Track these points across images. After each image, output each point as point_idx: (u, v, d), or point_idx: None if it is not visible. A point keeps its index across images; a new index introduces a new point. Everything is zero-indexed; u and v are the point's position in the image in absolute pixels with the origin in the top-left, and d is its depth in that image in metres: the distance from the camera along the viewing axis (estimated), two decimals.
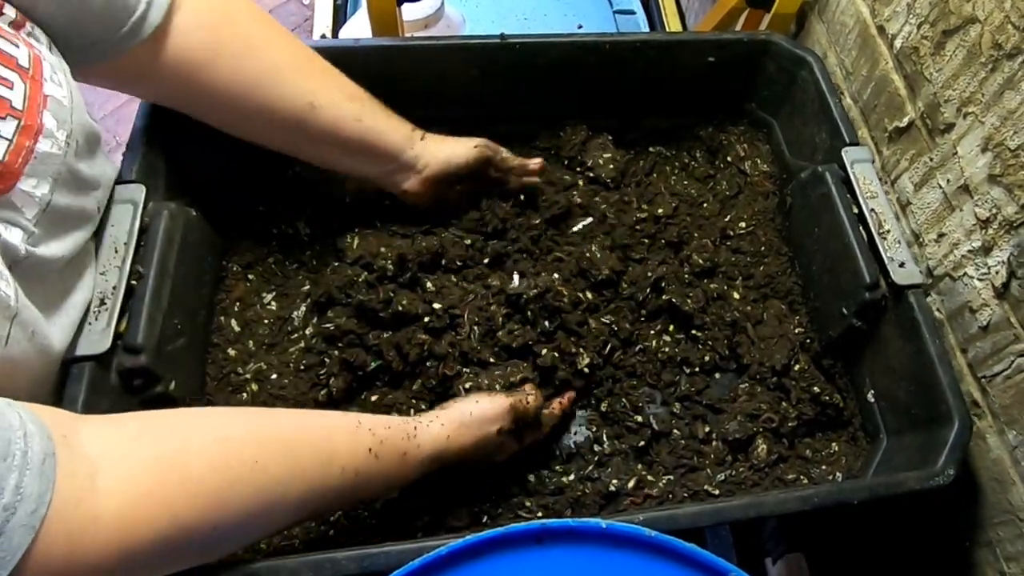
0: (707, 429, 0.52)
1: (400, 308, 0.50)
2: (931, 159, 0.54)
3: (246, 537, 0.35)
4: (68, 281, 0.41)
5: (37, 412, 0.29)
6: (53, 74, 0.37)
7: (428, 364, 0.50)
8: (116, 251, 0.45)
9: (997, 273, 0.47)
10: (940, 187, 0.53)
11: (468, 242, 0.56)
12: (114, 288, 0.43)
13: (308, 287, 0.56)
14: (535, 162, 0.56)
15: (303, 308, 0.55)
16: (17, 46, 0.35)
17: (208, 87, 0.45)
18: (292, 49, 0.47)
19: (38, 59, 0.36)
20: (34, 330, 0.36)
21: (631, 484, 0.50)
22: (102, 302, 0.43)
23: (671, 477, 0.50)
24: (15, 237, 0.34)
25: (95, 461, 0.29)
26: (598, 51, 0.60)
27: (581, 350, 0.51)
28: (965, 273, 0.51)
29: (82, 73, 0.41)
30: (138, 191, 0.47)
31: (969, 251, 0.50)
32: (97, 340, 0.41)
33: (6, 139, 0.33)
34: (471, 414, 0.44)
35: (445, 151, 0.52)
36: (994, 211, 0.47)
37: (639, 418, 0.52)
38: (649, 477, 0.50)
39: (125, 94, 0.48)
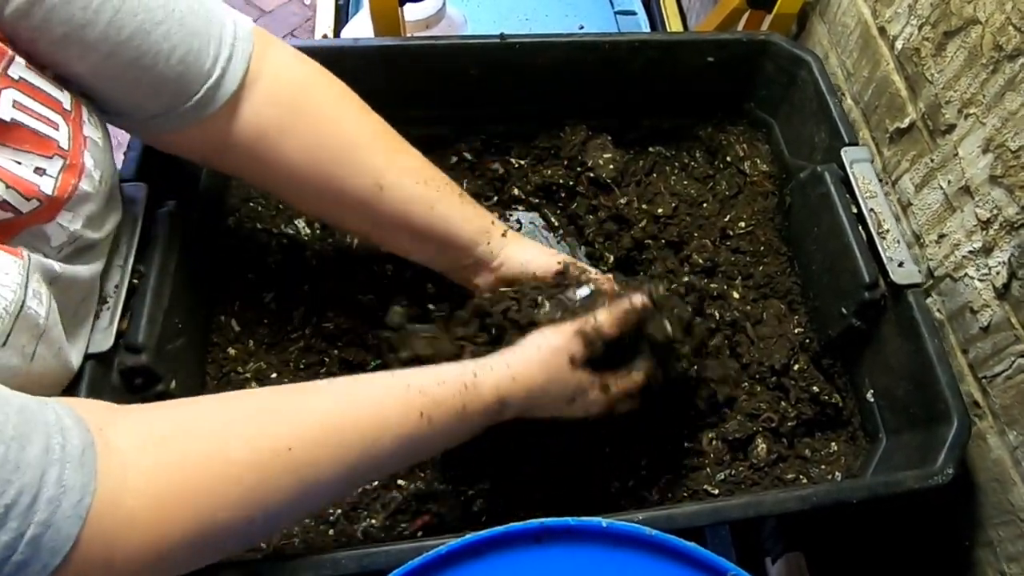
0: (706, 429, 0.52)
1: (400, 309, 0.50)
2: (932, 160, 0.54)
3: (289, 522, 0.35)
4: (88, 303, 0.42)
5: (73, 405, 0.29)
6: (90, 116, 0.38)
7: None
8: (119, 250, 0.45)
9: (998, 274, 0.47)
10: (941, 188, 0.53)
11: None
12: (116, 287, 0.43)
13: (308, 287, 0.56)
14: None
15: (303, 307, 0.55)
16: (61, 90, 0.36)
17: (275, 164, 0.43)
18: (365, 126, 0.45)
19: (78, 103, 0.37)
20: (60, 347, 0.37)
21: (630, 483, 0.50)
22: (104, 300, 0.43)
23: (671, 476, 0.50)
24: (48, 256, 0.36)
25: (126, 458, 0.29)
26: (598, 51, 0.61)
27: None
28: (966, 274, 0.51)
29: (149, 137, 0.42)
30: (140, 190, 0.47)
31: (970, 252, 0.50)
32: (100, 339, 0.42)
33: (52, 177, 0.34)
34: (537, 346, 0.40)
35: (524, 256, 0.47)
36: (995, 212, 0.47)
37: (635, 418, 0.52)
38: (649, 476, 0.50)
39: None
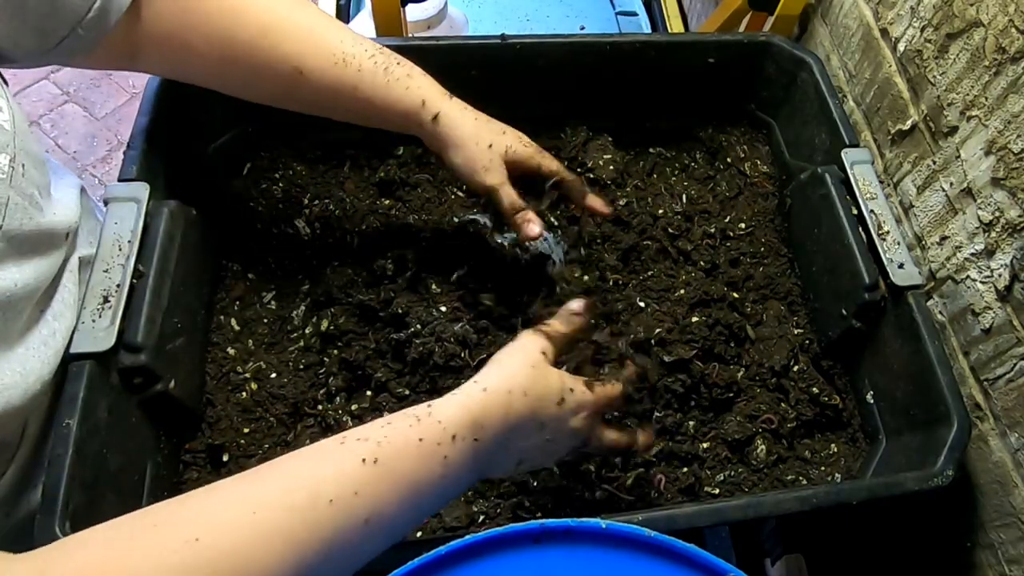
0: (706, 430, 0.52)
1: (400, 310, 0.50)
2: (934, 162, 0.54)
3: None
4: (34, 311, 0.39)
5: None
6: None
7: (430, 363, 0.50)
8: (120, 249, 0.45)
9: (1000, 276, 0.47)
10: (943, 190, 0.53)
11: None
12: (118, 286, 0.43)
13: (308, 287, 0.56)
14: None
15: (303, 307, 0.55)
16: None
17: (188, 62, 0.42)
18: (272, 9, 0.43)
19: None
20: None
21: (629, 483, 0.50)
22: (105, 300, 0.43)
23: (670, 477, 0.50)
24: None
25: None
26: (598, 52, 0.61)
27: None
28: (968, 276, 0.51)
29: (60, 60, 0.40)
30: (142, 189, 0.47)
31: (972, 254, 0.50)
32: (101, 338, 0.41)
33: None
34: (506, 354, 0.36)
35: (458, 149, 0.45)
36: (997, 214, 0.47)
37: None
38: (648, 477, 0.50)
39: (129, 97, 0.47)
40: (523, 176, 0.49)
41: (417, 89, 0.45)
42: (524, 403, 0.35)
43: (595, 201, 0.51)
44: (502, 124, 0.49)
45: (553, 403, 0.36)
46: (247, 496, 0.29)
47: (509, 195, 0.47)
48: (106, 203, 0.47)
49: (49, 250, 0.41)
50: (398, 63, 0.45)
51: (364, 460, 0.30)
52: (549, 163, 0.49)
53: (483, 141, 0.46)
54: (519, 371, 0.36)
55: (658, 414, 0.52)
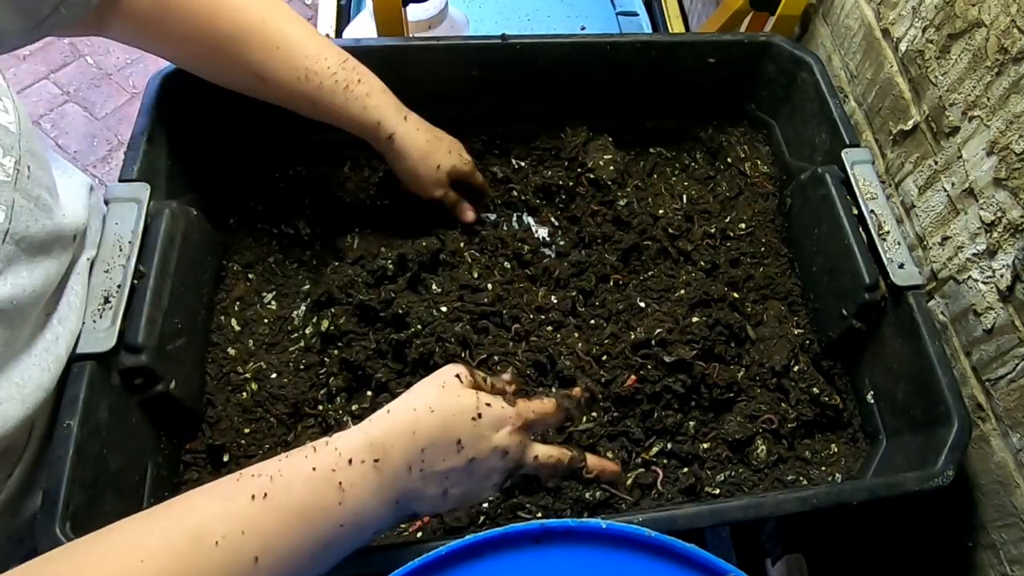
0: (706, 430, 0.52)
1: (400, 310, 0.50)
2: (936, 162, 0.54)
3: None
4: (40, 317, 0.39)
5: None
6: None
7: (430, 364, 0.50)
8: (120, 249, 0.45)
9: (1002, 276, 0.47)
10: (945, 190, 0.53)
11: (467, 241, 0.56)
12: (119, 286, 0.43)
13: (308, 287, 0.56)
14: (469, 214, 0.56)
15: (303, 308, 0.55)
16: None
17: (158, 51, 0.45)
18: (243, 18, 0.44)
19: None
20: None
21: (628, 482, 0.50)
22: (106, 300, 0.43)
23: (670, 477, 0.50)
24: None
25: None
26: (599, 52, 0.61)
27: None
28: (969, 276, 0.50)
29: (41, 34, 0.41)
30: (142, 189, 0.47)
31: (974, 254, 0.50)
32: (102, 338, 0.41)
33: None
34: (424, 381, 0.35)
35: (409, 168, 0.51)
36: (999, 214, 0.47)
37: (635, 418, 0.52)
38: (647, 477, 0.50)
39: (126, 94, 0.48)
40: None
41: (375, 109, 0.48)
42: (432, 419, 0.33)
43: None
44: (449, 139, 0.55)
45: (467, 419, 0.34)
46: (134, 543, 0.28)
47: (451, 198, 0.57)
48: (107, 203, 0.47)
49: (58, 252, 0.40)
50: (359, 80, 0.48)
51: (253, 496, 0.29)
52: (478, 179, 0.59)
53: (432, 161, 0.52)
54: (426, 390, 0.35)
55: (657, 412, 0.52)
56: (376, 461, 0.32)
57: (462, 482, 0.35)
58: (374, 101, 0.48)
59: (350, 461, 0.31)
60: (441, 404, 0.34)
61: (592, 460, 0.42)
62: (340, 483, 0.31)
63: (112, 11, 0.42)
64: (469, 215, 0.58)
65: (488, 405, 0.35)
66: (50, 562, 0.27)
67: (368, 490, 0.32)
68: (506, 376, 0.41)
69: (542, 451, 0.38)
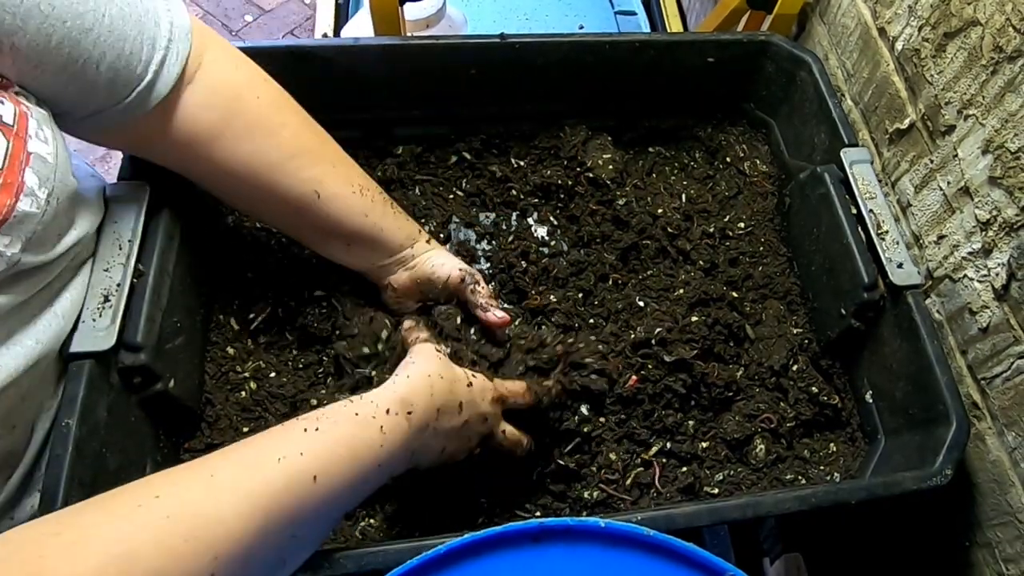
0: (705, 429, 0.52)
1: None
2: (932, 161, 0.54)
3: None
4: (37, 305, 0.39)
5: None
6: (39, 130, 0.35)
7: None
8: (120, 248, 0.45)
9: (997, 275, 0.47)
10: (940, 189, 0.53)
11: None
12: (118, 285, 0.43)
13: (307, 287, 0.56)
14: (500, 317, 0.49)
15: (302, 307, 0.55)
16: (3, 103, 0.34)
17: (210, 167, 0.44)
18: (304, 134, 0.46)
19: (24, 115, 0.34)
20: None
21: (628, 482, 0.50)
22: (106, 299, 0.43)
23: (669, 476, 0.50)
24: None
25: None
26: (598, 51, 0.61)
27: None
28: (965, 275, 0.51)
29: (82, 134, 0.41)
30: (142, 188, 0.47)
31: (969, 253, 0.50)
32: (101, 337, 0.41)
33: None
34: (415, 358, 0.41)
35: (435, 259, 0.51)
36: (994, 213, 0.47)
37: (635, 418, 0.52)
38: (646, 477, 0.50)
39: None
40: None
41: (415, 221, 0.52)
42: (443, 384, 0.40)
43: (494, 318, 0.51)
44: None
45: (464, 384, 0.41)
46: (204, 463, 0.32)
47: (476, 283, 0.51)
48: (106, 202, 0.47)
49: (54, 267, 0.40)
50: (394, 200, 0.51)
51: (306, 429, 0.34)
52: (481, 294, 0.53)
53: (447, 265, 0.51)
54: (431, 360, 0.41)
55: (657, 412, 0.52)
56: (408, 413, 0.37)
57: (454, 441, 0.41)
58: (410, 218, 0.52)
59: (387, 411, 0.37)
60: (446, 372, 0.41)
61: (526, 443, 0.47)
62: (381, 427, 0.36)
63: (165, 122, 0.41)
64: (501, 316, 0.49)
65: (474, 375, 0.43)
66: (121, 491, 0.30)
67: (400, 438, 0.37)
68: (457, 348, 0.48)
69: (508, 430, 0.45)
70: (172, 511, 0.28)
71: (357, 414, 0.36)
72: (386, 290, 0.52)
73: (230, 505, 0.30)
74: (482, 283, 0.51)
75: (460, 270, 0.50)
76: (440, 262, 0.50)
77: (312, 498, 0.32)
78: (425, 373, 0.40)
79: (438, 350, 0.43)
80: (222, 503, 0.29)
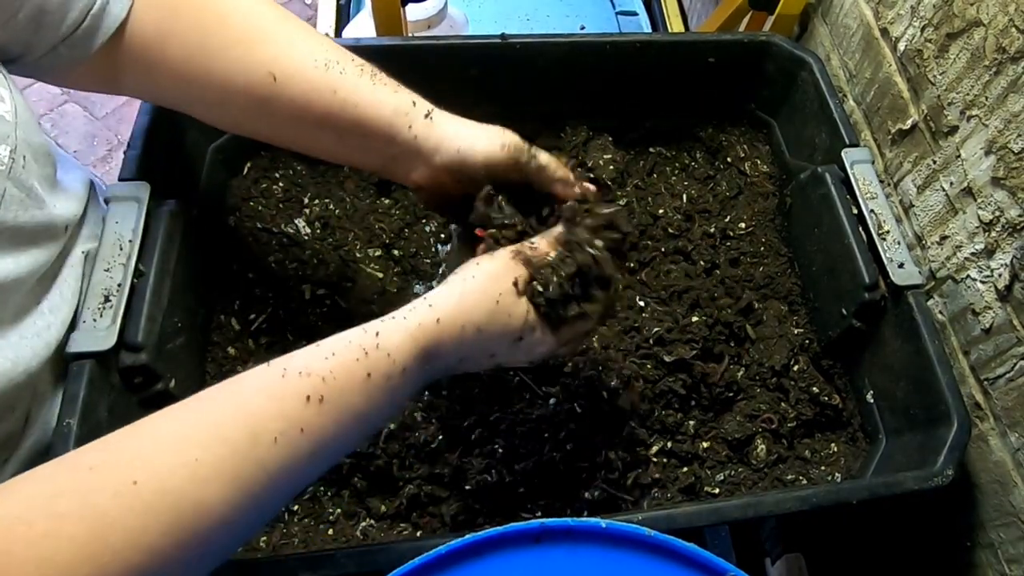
0: (706, 429, 0.52)
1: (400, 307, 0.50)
2: (934, 162, 0.54)
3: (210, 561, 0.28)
4: (27, 301, 0.39)
5: None
6: None
7: None
8: (121, 248, 0.45)
9: (1000, 276, 0.47)
10: (943, 190, 0.53)
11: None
12: (119, 285, 0.43)
13: (308, 286, 0.56)
14: (591, 187, 0.40)
15: (303, 308, 0.55)
16: None
17: (160, 72, 0.39)
18: (257, 17, 0.40)
19: None
20: None
21: (628, 482, 0.50)
22: (107, 299, 0.43)
23: (670, 477, 0.50)
24: None
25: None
26: (599, 51, 0.61)
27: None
28: (968, 276, 0.51)
29: (41, 76, 0.40)
30: (143, 188, 0.47)
31: (972, 254, 0.50)
32: (102, 337, 0.41)
33: None
34: (471, 276, 0.34)
35: (460, 142, 0.39)
36: (997, 214, 0.47)
37: (636, 419, 0.52)
38: (647, 477, 0.50)
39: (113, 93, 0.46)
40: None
41: (407, 93, 0.41)
42: (477, 338, 0.34)
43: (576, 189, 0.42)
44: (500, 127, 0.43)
45: (509, 340, 0.35)
46: (184, 436, 0.28)
47: (534, 153, 0.41)
48: (107, 202, 0.47)
49: (46, 242, 0.40)
50: (387, 75, 0.42)
51: (308, 398, 0.30)
52: (535, 171, 0.42)
53: (481, 141, 0.40)
54: (479, 305, 0.34)
55: (657, 412, 0.52)
56: (426, 366, 0.33)
57: (489, 367, 0.37)
58: (404, 90, 0.41)
59: (404, 370, 0.32)
60: (490, 326, 0.34)
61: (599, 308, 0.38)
62: (393, 388, 0.32)
63: (116, 48, 0.39)
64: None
65: (533, 330, 0.35)
66: (86, 453, 0.27)
67: (414, 386, 0.34)
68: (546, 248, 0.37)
69: (565, 351, 0.39)
70: (153, 500, 0.26)
71: (369, 376, 0.31)
72: (418, 192, 0.42)
73: (220, 492, 0.27)
74: (541, 153, 0.40)
75: (503, 146, 0.39)
76: (468, 143, 0.39)
77: (310, 472, 0.31)
78: (459, 324, 0.33)
79: (515, 282, 0.34)
80: (210, 490, 0.27)
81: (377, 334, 0.32)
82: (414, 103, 0.41)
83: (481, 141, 0.39)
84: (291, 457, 0.29)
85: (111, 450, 0.27)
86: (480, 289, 0.34)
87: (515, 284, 0.35)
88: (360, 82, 0.40)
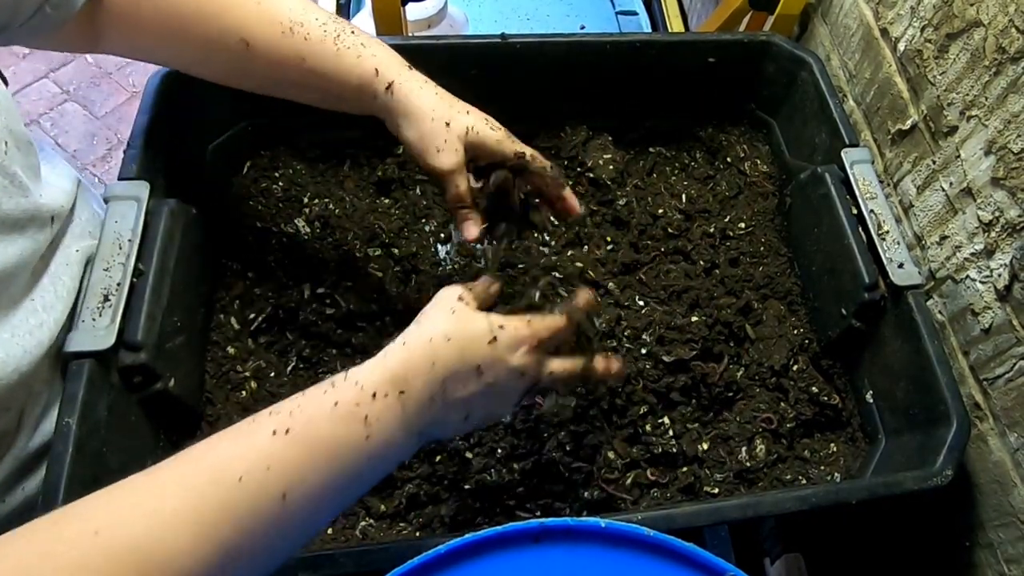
0: (706, 430, 0.52)
1: (400, 307, 0.50)
2: (934, 162, 0.54)
3: None
4: (18, 295, 0.38)
5: None
6: None
7: None
8: (120, 248, 0.45)
9: (999, 276, 0.47)
10: (943, 190, 0.53)
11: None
12: (118, 284, 0.43)
13: (308, 285, 0.56)
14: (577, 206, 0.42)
15: (303, 307, 0.55)
16: None
17: (142, 32, 0.40)
18: None
19: None
20: None
21: (627, 482, 0.50)
22: (106, 298, 0.43)
23: (669, 476, 0.50)
24: None
25: None
26: (598, 51, 0.60)
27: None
28: (967, 276, 0.51)
29: (24, 41, 0.39)
30: (142, 187, 0.47)
31: (972, 254, 0.50)
32: (102, 336, 0.41)
33: None
34: (430, 306, 0.35)
35: (413, 125, 0.41)
36: (997, 214, 0.47)
37: (635, 418, 0.52)
38: (647, 477, 0.50)
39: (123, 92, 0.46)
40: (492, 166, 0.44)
41: (371, 58, 0.41)
42: (449, 348, 0.33)
43: (571, 199, 0.45)
44: (468, 105, 0.43)
45: (483, 343, 0.34)
46: (150, 485, 0.27)
47: (458, 185, 0.42)
48: (107, 201, 0.47)
49: (33, 232, 0.40)
50: (352, 32, 0.42)
51: (275, 432, 0.29)
52: (519, 147, 0.44)
53: (441, 117, 0.41)
54: (438, 318, 0.34)
55: (656, 411, 0.52)
56: (401, 393, 0.32)
57: (483, 405, 0.35)
58: (370, 51, 0.41)
59: (373, 395, 0.31)
60: (456, 331, 0.34)
61: (600, 363, 0.40)
62: (366, 417, 0.31)
63: (97, 9, 0.40)
64: (469, 230, 0.42)
65: (501, 327, 0.35)
66: (74, 504, 0.26)
67: (394, 423, 0.32)
68: (487, 280, 0.40)
69: (556, 365, 0.38)
70: (114, 550, 0.24)
71: (337, 404, 0.30)
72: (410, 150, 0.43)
73: (183, 539, 0.25)
74: (515, 140, 0.42)
75: (471, 128, 0.41)
76: (418, 136, 0.40)
77: (283, 517, 0.28)
78: (427, 337, 0.33)
79: (460, 297, 0.35)
80: (173, 537, 0.25)
81: (347, 371, 0.32)
82: (376, 71, 0.41)
83: (433, 143, 0.40)
84: (259, 497, 0.27)
85: (81, 505, 0.27)
86: (436, 310, 0.35)
87: (461, 299, 0.36)
88: (324, 50, 0.41)
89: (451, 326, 0.34)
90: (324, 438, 0.30)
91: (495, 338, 0.35)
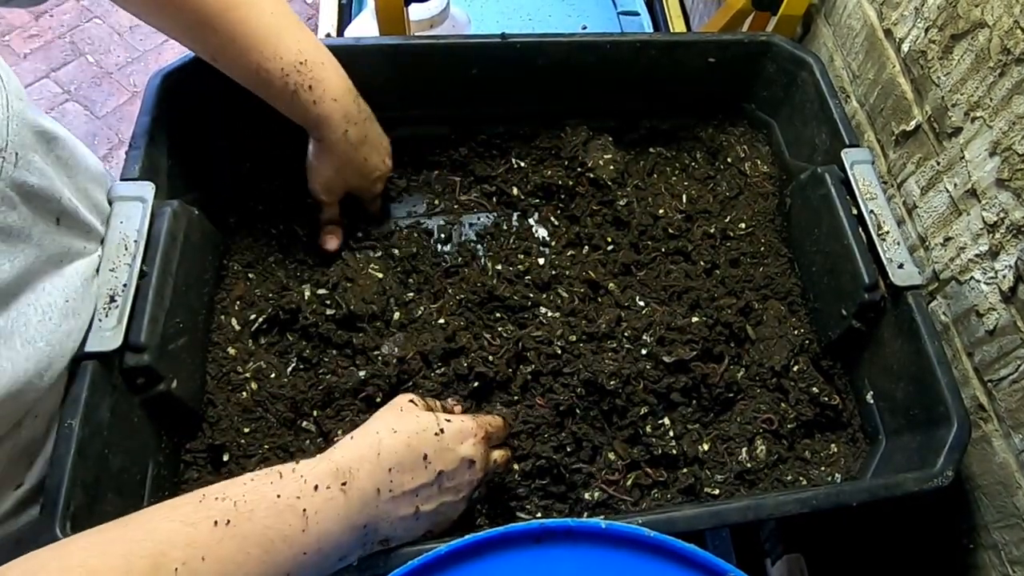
0: (706, 430, 0.52)
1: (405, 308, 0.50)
2: (938, 163, 0.54)
3: None
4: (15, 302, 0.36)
5: None
6: None
7: (432, 362, 0.50)
8: (126, 248, 0.45)
9: (1004, 277, 0.47)
10: (947, 191, 0.53)
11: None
12: (124, 285, 0.43)
13: (308, 286, 0.56)
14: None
15: (303, 308, 0.55)
16: None
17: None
18: None
19: None
20: None
21: (628, 483, 0.50)
22: (112, 299, 0.43)
23: (670, 477, 0.50)
24: None
25: None
26: (599, 51, 0.60)
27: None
28: (972, 277, 0.50)
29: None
30: (147, 188, 0.47)
31: (976, 255, 0.50)
32: (108, 337, 0.41)
33: None
34: (380, 410, 0.37)
35: (318, 169, 0.51)
36: (1002, 215, 0.47)
37: (636, 419, 0.52)
38: (647, 478, 0.50)
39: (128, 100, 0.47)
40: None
41: (315, 119, 0.48)
42: (396, 439, 0.34)
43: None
44: (378, 158, 0.53)
45: (430, 434, 0.36)
46: (90, 566, 0.27)
47: (332, 213, 0.55)
48: (111, 202, 0.47)
49: (83, 243, 0.40)
50: (310, 86, 0.47)
51: (216, 522, 0.29)
52: (372, 205, 0.57)
53: (343, 171, 0.51)
54: (385, 415, 0.37)
55: (657, 410, 0.52)
56: (343, 485, 0.32)
57: (433, 497, 0.35)
58: (317, 111, 0.48)
59: (315, 488, 0.32)
60: (403, 424, 0.35)
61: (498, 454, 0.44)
62: (304, 510, 0.31)
63: None
64: (330, 243, 0.55)
65: (448, 420, 0.37)
66: (10, 571, 0.26)
67: (333, 516, 0.32)
68: (451, 401, 0.46)
69: (497, 454, 0.43)
70: None
71: (279, 496, 0.31)
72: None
73: None
74: (376, 201, 0.54)
75: (356, 188, 0.54)
76: (312, 160, 0.51)
77: None
78: (373, 430, 0.35)
79: (412, 400, 0.38)
80: None
81: (297, 462, 0.33)
82: (316, 127, 0.49)
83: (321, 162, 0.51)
84: None
85: (18, 562, 0.26)
86: (384, 410, 0.38)
87: (411, 402, 0.38)
88: (281, 100, 0.48)
89: (397, 420, 0.36)
90: (260, 531, 0.30)
91: (442, 430, 0.36)
